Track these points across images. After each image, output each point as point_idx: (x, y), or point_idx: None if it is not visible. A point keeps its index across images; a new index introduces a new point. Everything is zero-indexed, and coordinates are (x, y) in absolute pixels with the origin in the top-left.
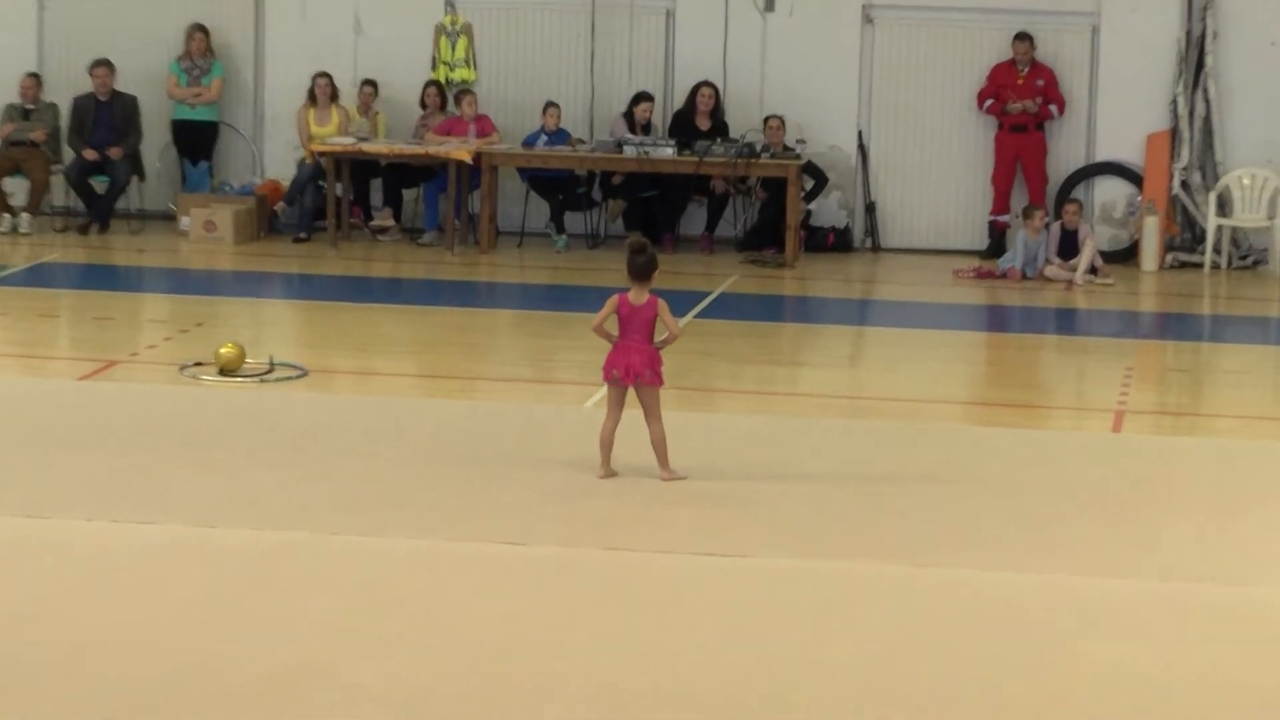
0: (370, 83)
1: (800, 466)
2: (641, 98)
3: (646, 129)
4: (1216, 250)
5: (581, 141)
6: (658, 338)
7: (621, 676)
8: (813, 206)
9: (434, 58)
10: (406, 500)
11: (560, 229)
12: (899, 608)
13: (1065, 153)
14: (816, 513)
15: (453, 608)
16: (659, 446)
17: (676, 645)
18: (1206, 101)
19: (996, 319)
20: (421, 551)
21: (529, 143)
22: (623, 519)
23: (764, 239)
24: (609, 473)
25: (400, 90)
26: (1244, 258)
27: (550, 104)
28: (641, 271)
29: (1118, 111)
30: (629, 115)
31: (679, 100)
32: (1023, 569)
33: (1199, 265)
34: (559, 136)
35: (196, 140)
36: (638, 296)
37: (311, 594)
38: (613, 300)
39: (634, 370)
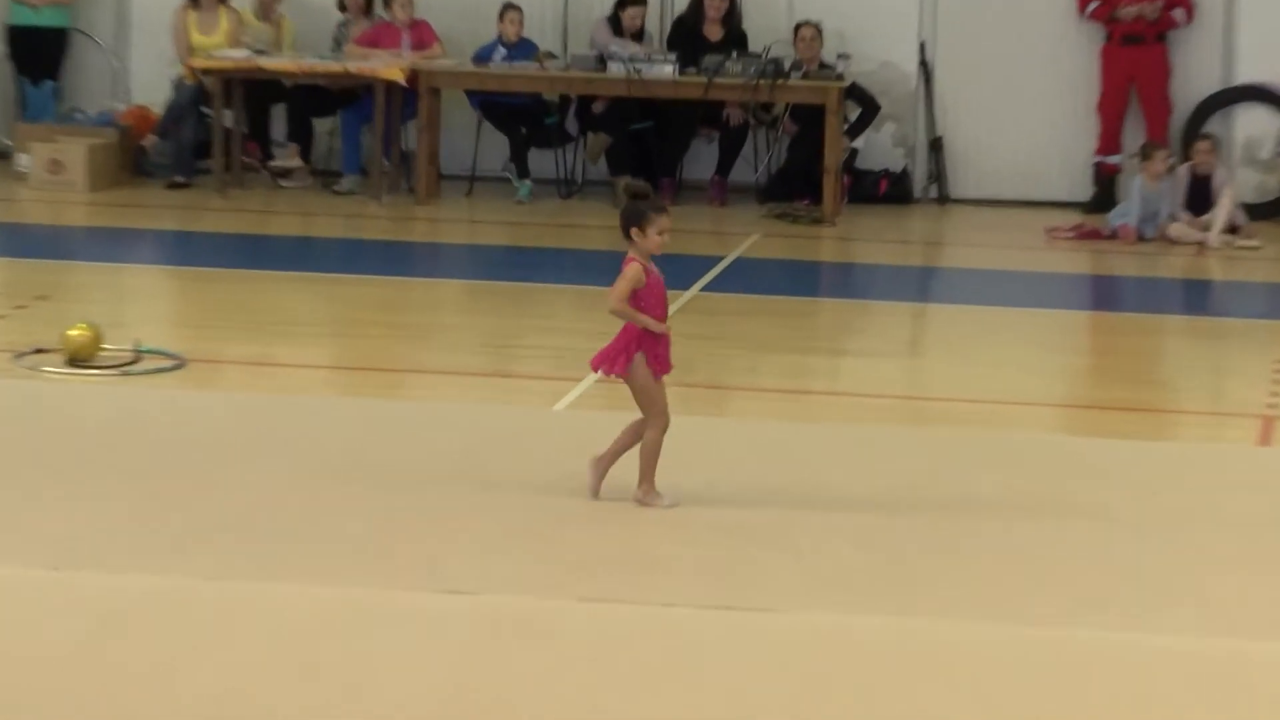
0: None
1: (843, 489)
2: (629, 1)
3: (639, 39)
4: None
5: (552, 56)
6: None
7: None
8: (859, 143)
9: None
10: (316, 533)
11: (523, 172)
12: (977, 677)
13: (1195, 73)
14: (865, 551)
15: (376, 677)
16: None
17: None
18: None
19: (1104, 293)
20: (336, 603)
21: (482, 57)
22: (608, 559)
23: (794, 186)
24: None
25: None
26: None
27: (509, 6)
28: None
29: (1265, 19)
30: (614, 21)
31: (681, 2)
32: (1137, 628)
33: None
34: (522, 49)
35: (39, 52)
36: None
37: (184, 660)
38: (635, 266)
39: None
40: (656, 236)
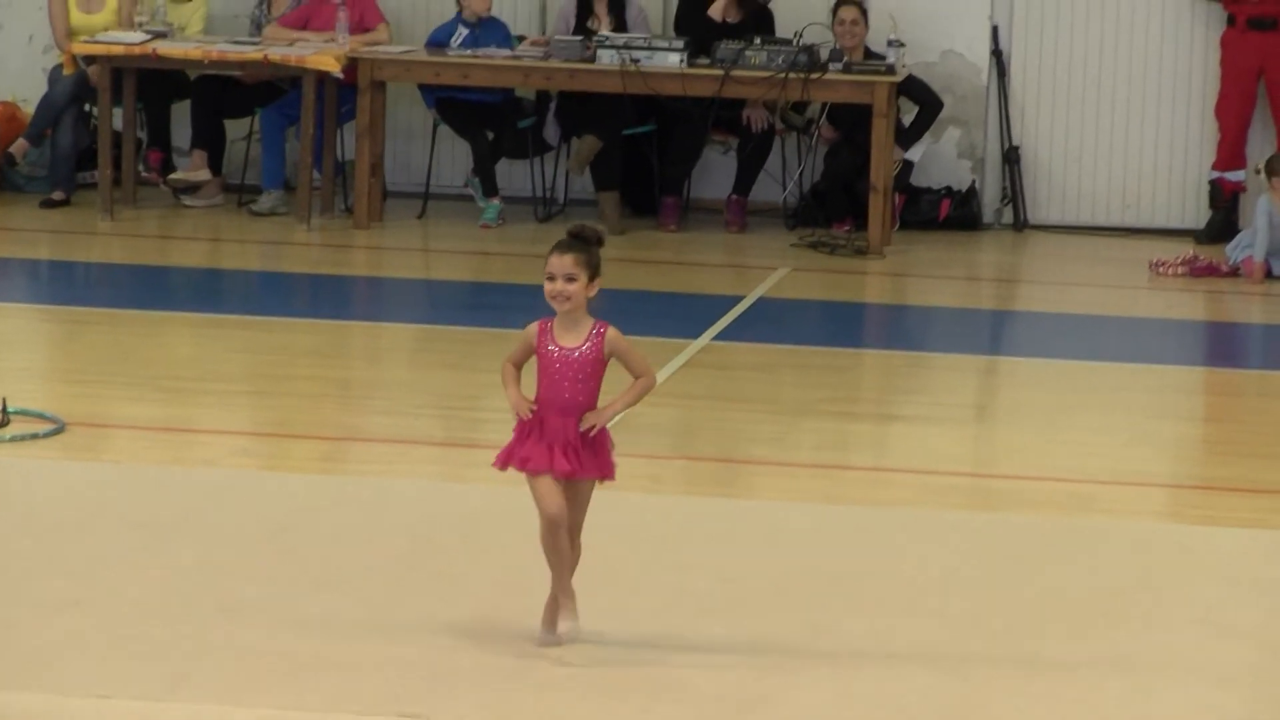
0: None
1: (889, 587)
2: None
3: (620, 23)
4: None
5: (521, 38)
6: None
7: None
8: (915, 154)
9: None
10: (222, 645)
11: (490, 189)
12: None
13: None
14: (919, 666)
15: None
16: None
17: None
18: None
19: (1223, 344)
20: None
21: (438, 42)
22: (593, 670)
23: (833, 208)
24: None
25: None
26: None
27: None
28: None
29: None
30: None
31: None
32: None
33: None
34: (490, 32)
35: None
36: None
37: None
38: (533, 326)
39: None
40: (547, 283)
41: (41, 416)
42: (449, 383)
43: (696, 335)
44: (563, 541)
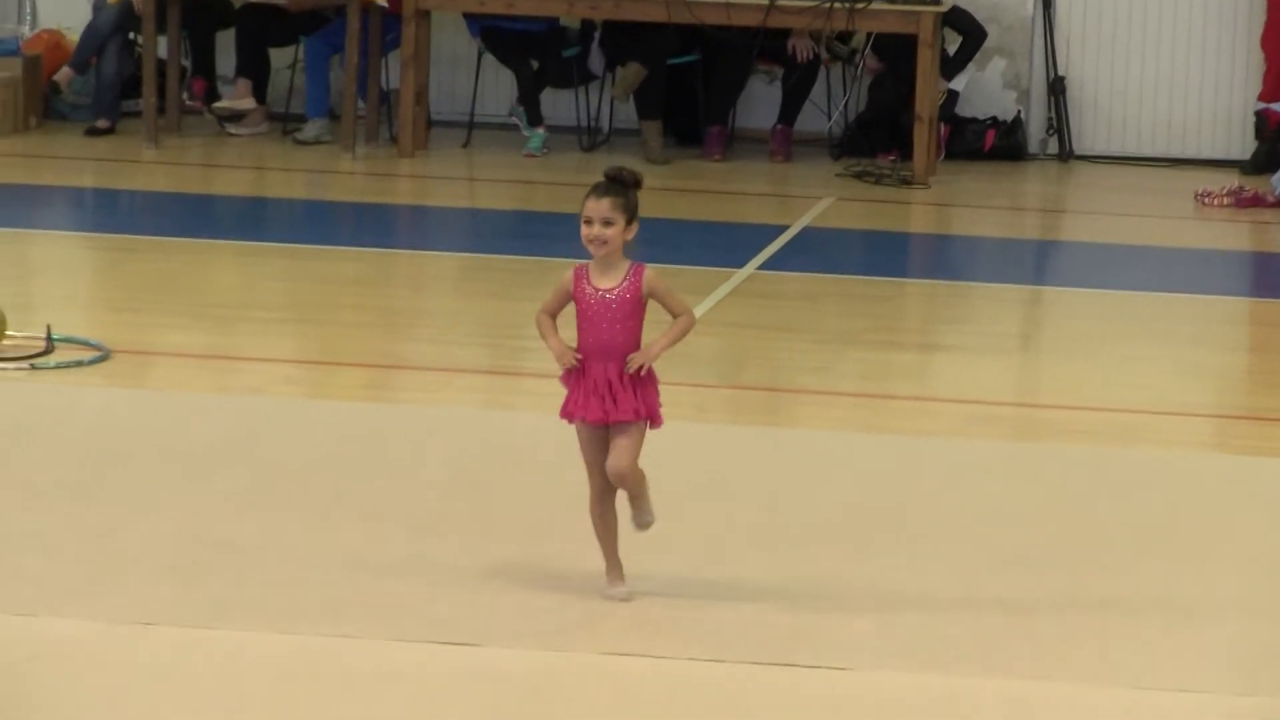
0: None
1: (932, 519)
2: None
3: None
4: None
5: None
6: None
7: None
8: (959, 85)
9: None
10: (274, 568)
11: (535, 118)
12: None
13: None
14: (961, 600)
15: None
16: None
17: None
18: None
19: (1269, 275)
20: (299, 654)
21: None
22: (637, 604)
23: (877, 138)
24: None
25: None
26: None
27: None
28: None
29: None
30: None
31: None
32: None
33: None
34: None
35: None
36: None
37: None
38: (567, 274)
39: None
40: (584, 227)
41: (86, 344)
42: (494, 311)
43: (741, 265)
44: (608, 509)
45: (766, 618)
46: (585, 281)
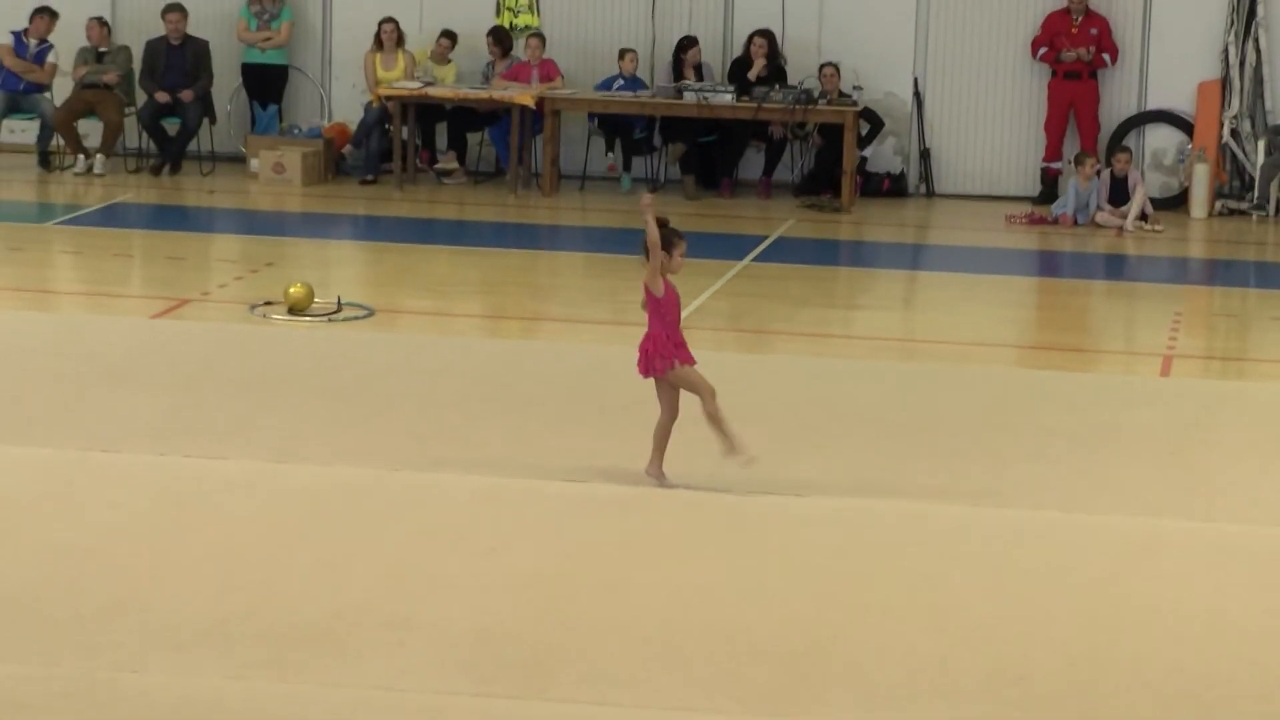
0: (448, 34)
1: (854, 408)
2: (688, 43)
3: (699, 71)
4: (1265, 198)
5: (645, 87)
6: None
7: (676, 615)
8: (868, 152)
9: (498, 3)
10: (468, 437)
11: (627, 167)
12: (949, 546)
13: (1117, 101)
14: (869, 452)
15: (512, 545)
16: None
17: (731, 584)
18: (1257, 51)
19: (1048, 264)
20: (482, 488)
21: (603, 87)
22: (682, 457)
23: (820, 184)
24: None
25: (467, 36)
26: None
27: (626, 50)
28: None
29: (1169, 60)
30: (677, 60)
31: (738, 48)
32: (1071, 509)
33: (1247, 213)
34: (635, 83)
35: (266, 83)
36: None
37: (374, 529)
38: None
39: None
40: (679, 258)
41: (361, 306)
42: (598, 287)
43: (741, 259)
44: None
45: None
46: (669, 283)
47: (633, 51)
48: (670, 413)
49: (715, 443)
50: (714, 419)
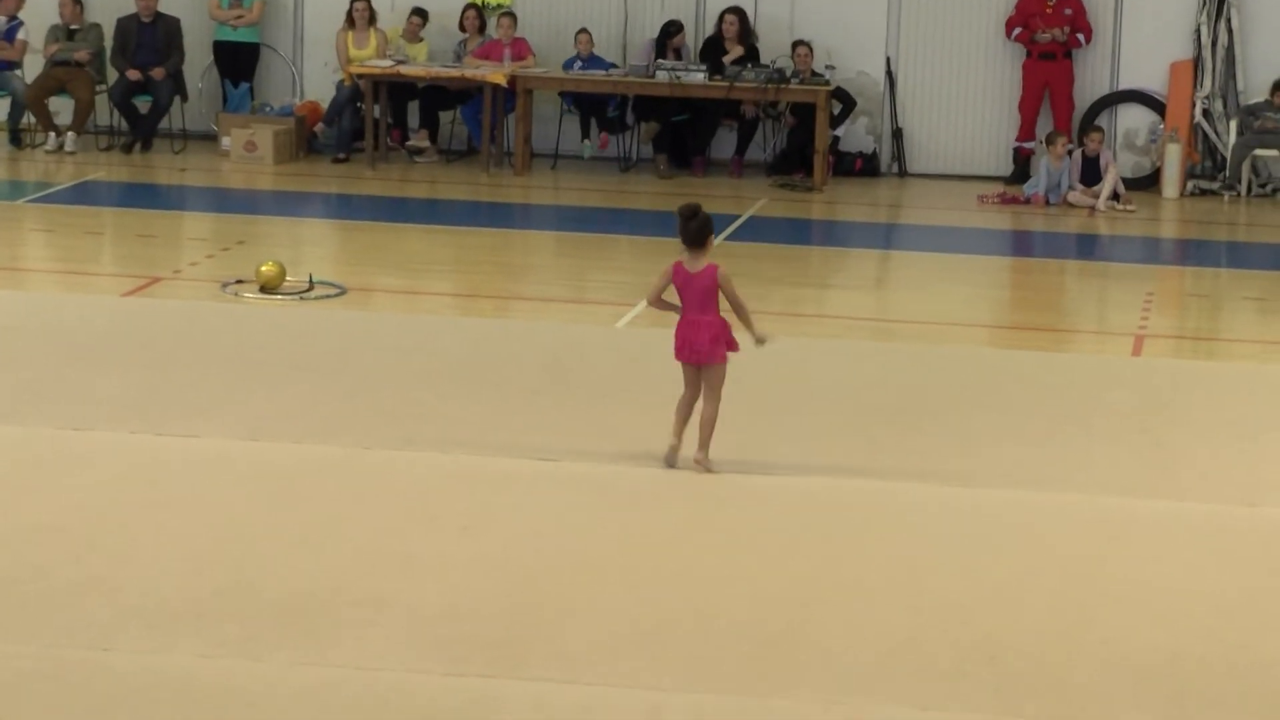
0: (419, 12)
1: (826, 386)
2: (674, 29)
3: (679, 55)
4: (1237, 178)
5: (614, 66)
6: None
7: (648, 594)
8: (840, 132)
9: None
10: (441, 415)
11: (585, 135)
12: (922, 525)
13: (1090, 81)
14: (842, 432)
15: (484, 523)
16: (706, 426)
17: (704, 562)
18: (1229, 31)
19: (1020, 244)
20: (454, 466)
21: (567, 67)
22: (653, 435)
23: (792, 163)
24: (675, 445)
25: (440, 14)
26: (1263, 185)
27: (581, 31)
28: (694, 238)
29: (1142, 40)
30: (660, 43)
31: (710, 27)
32: (1043, 488)
33: (1219, 193)
34: (593, 62)
35: (237, 62)
36: (693, 264)
37: (346, 507)
38: (668, 269)
39: (698, 348)
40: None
41: (333, 285)
42: (569, 266)
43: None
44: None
45: (726, 434)
46: (683, 268)
47: (585, 32)
48: (695, 391)
49: (692, 438)
50: (709, 423)
